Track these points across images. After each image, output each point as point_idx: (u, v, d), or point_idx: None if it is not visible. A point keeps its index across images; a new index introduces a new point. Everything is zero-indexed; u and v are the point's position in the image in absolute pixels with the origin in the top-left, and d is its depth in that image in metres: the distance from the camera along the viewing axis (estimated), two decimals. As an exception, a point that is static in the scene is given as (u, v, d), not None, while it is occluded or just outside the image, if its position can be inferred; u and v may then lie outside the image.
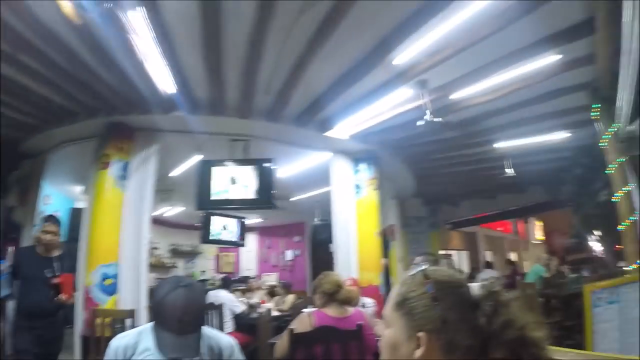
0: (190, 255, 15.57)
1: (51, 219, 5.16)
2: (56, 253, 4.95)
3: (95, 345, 4.90)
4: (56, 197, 8.92)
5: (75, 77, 5.54)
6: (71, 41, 4.73)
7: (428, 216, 13.82)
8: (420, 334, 1.20)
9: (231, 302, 7.46)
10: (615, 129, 5.94)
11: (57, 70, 5.33)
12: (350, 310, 3.74)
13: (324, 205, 10.49)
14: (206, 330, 2.19)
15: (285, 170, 8.84)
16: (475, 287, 1.29)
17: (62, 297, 4.69)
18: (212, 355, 2.13)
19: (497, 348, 1.16)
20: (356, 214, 7.97)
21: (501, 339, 1.16)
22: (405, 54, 5.14)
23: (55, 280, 4.70)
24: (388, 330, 1.29)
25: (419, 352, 1.20)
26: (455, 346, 1.19)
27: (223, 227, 11.76)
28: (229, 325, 7.12)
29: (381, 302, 7.29)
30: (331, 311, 3.61)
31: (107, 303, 5.96)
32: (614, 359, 2.82)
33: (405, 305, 1.26)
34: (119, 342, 2.15)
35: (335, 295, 3.66)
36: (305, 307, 6.05)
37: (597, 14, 4.43)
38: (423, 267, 1.32)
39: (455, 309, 1.22)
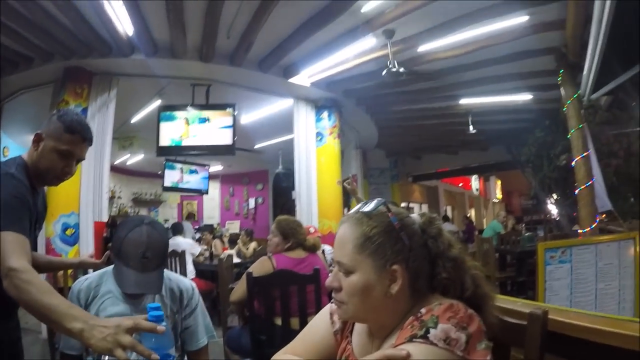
0: (153, 203, 15.51)
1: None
2: None
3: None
4: (14, 148, 8.74)
5: (30, 20, 5.32)
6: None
7: (390, 168, 13.95)
8: (395, 267, 1.22)
9: (190, 245, 7.47)
10: (579, 96, 6.06)
11: (9, 13, 5.09)
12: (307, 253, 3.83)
13: (286, 153, 10.51)
14: (167, 272, 2.17)
15: (248, 116, 8.79)
16: (413, 216, 1.34)
17: None
18: (172, 297, 2.12)
19: (443, 268, 1.26)
20: (317, 162, 8.00)
21: (446, 258, 1.26)
22: (372, 2, 5.08)
23: None
24: (354, 276, 1.24)
25: (396, 286, 1.23)
26: (420, 272, 1.25)
27: (185, 174, 11.62)
28: (191, 271, 7.13)
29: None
30: (292, 254, 3.70)
31: (68, 253, 5.92)
32: (560, 310, 2.90)
33: (370, 243, 1.25)
34: (81, 285, 2.12)
35: (305, 243, 3.77)
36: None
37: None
38: (377, 203, 1.32)
39: (415, 237, 1.27)
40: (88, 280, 2.14)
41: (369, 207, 1.31)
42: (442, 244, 1.29)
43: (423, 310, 1.16)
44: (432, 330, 1.08)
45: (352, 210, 1.36)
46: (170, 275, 2.21)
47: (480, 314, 1.18)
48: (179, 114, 7.03)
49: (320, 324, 1.51)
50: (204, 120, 7.05)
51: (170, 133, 7.02)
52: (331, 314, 1.49)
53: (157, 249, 2.04)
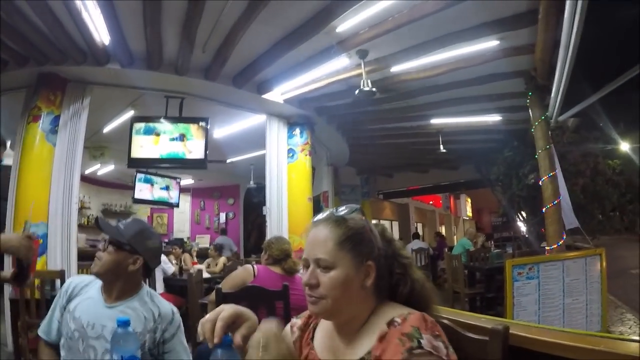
0: (123, 215, 15.24)
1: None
2: None
3: (24, 308, 4.75)
4: (-18, 153, 8.56)
5: (5, 22, 5.27)
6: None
7: (361, 185, 14.05)
8: (370, 263, 1.39)
9: (164, 263, 7.41)
10: (546, 117, 6.25)
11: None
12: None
13: (258, 169, 10.53)
14: (152, 293, 2.28)
15: (220, 131, 8.82)
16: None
17: None
18: (150, 316, 2.17)
19: (396, 267, 1.46)
20: (288, 178, 8.03)
21: (399, 259, 1.48)
22: (347, 23, 5.18)
23: None
24: (334, 272, 1.35)
25: (370, 280, 1.39)
26: (383, 270, 1.43)
27: (158, 187, 11.56)
28: (159, 286, 7.07)
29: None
30: (276, 269, 3.92)
31: (36, 264, 5.81)
32: (524, 325, 2.98)
33: (349, 241, 1.39)
34: (75, 280, 2.31)
35: (281, 262, 3.95)
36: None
37: (540, 7, 4.59)
38: (351, 209, 1.49)
39: (378, 239, 1.46)
40: (81, 279, 2.31)
41: (344, 211, 1.48)
42: (395, 247, 1.50)
43: (398, 320, 1.27)
44: (422, 341, 1.17)
45: (325, 214, 1.50)
46: (154, 296, 2.28)
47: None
48: (152, 125, 7.01)
49: (286, 335, 1.58)
50: (176, 133, 7.04)
51: (143, 145, 6.99)
52: (291, 326, 1.61)
53: (134, 223, 2.27)
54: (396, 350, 1.18)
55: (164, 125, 7.03)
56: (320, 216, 1.51)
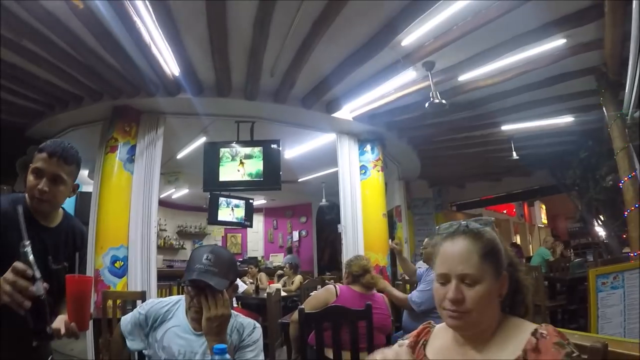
0: (198, 236, 15.67)
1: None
2: None
3: (107, 327, 4.93)
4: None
5: (80, 61, 5.55)
6: (74, 25, 4.73)
7: (434, 198, 13.85)
8: (504, 273, 1.45)
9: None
10: (622, 115, 5.95)
11: (61, 55, 5.35)
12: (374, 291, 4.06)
13: (330, 186, 10.56)
14: (234, 313, 2.21)
15: (291, 151, 8.93)
16: None
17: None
18: (237, 335, 2.16)
19: (514, 276, 1.50)
20: (362, 195, 7.99)
21: (517, 267, 1.52)
22: (412, 36, 5.14)
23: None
24: (479, 286, 1.37)
25: (504, 290, 1.45)
26: (507, 278, 1.47)
27: (231, 208, 11.77)
28: (234, 302, 7.17)
29: (388, 282, 7.35)
30: (357, 288, 3.95)
31: (117, 285, 6.06)
32: (617, 340, 2.85)
33: (490, 254, 1.42)
34: (155, 305, 2.26)
35: (360, 278, 3.97)
36: (314, 288, 6.13)
37: (605, 0, 4.43)
38: (482, 223, 1.51)
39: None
40: (162, 304, 2.26)
41: (477, 224, 1.50)
42: (510, 256, 1.53)
43: (544, 331, 1.31)
44: (571, 348, 1.25)
45: (453, 227, 1.52)
46: (236, 315, 2.24)
47: None
48: (225, 150, 7.18)
49: (394, 356, 1.56)
50: (250, 156, 7.17)
51: (223, 170, 7.20)
52: (399, 346, 1.60)
53: (220, 255, 2.09)
54: (555, 358, 1.23)
55: (236, 149, 7.17)
56: (450, 228, 1.51)
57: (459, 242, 1.43)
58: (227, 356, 1.47)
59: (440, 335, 1.56)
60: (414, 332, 1.63)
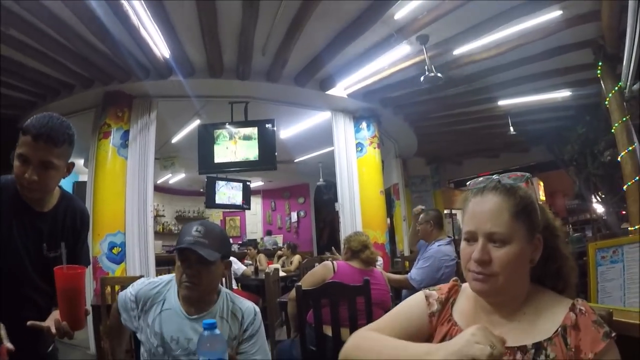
0: (196, 220, 15.60)
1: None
2: None
3: (106, 314, 4.91)
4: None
5: (69, 48, 5.50)
6: (62, 12, 4.68)
7: (431, 175, 13.81)
8: (539, 236, 1.32)
9: (234, 262, 7.52)
10: (620, 88, 5.88)
11: (50, 43, 5.31)
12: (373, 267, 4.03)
13: (327, 166, 10.52)
14: (231, 295, 2.19)
15: (287, 131, 8.88)
16: None
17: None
18: (233, 320, 2.10)
19: (549, 241, 1.37)
20: (359, 173, 7.96)
21: (554, 231, 1.40)
22: (405, 9, 5.07)
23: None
24: (509, 247, 1.25)
25: (537, 254, 1.33)
26: (543, 242, 1.34)
27: (228, 190, 11.73)
28: (233, 284, 7.18)
29: (387, 259, 7.35)
30: (355, 264, 3.91)
31: (115, 271, 6.09)
32: (619, 310, 2.84)
33: (524, 213, 1.29)
34: (144, 286, 2.18)
35: (359, 254, 3.92)
36: (313, 267, 6.12)
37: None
38: (521, 178, 1.40)
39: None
40: (153, 284, 2.18)
41: (511, 179, 1.38)
42: (548, 218, 1.41)
43: (582, 307, 1.24)
44: (607, 327, 1.20)
45: (487, 182, 1.40)
46: (234, 298, 2.19)
47: None
48: (219, 132, 7.14)
49: (413, 305, 1.48)
50: (246, 137, 7.14)
51: (217, 152, 7.17)
52: (427, 297, 1.48)
53: (211, 228, 2.06)
54: (595, 337, 1.18)
55: (230, 130, 7.13)
56: (480, 184, 1.40)
57: (489, 198, 1.32)
58: (217, 331, 1.43)
59: (464, 298, 1.45)
60: (445, 287, 1.49)
